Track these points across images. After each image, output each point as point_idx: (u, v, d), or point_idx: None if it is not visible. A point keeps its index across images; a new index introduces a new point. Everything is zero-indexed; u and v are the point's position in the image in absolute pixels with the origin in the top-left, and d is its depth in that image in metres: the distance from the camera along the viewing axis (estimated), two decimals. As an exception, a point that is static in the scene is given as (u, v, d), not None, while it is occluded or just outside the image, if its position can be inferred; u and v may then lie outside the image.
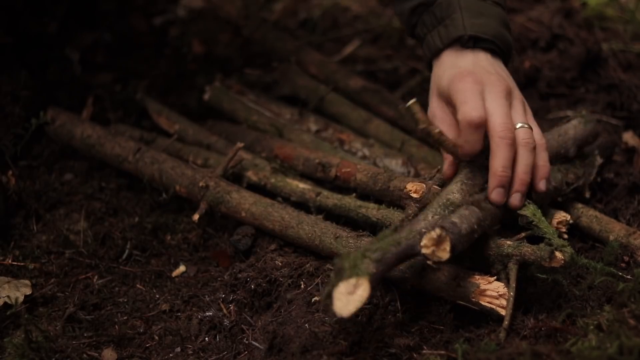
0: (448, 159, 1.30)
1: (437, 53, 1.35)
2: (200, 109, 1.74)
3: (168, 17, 2.10)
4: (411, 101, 1.20)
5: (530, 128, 1.26)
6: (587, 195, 1.42)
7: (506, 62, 1.37)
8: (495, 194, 1.23)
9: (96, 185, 1.59)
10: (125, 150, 1.53)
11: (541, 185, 1.26)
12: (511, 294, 1.15)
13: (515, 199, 1.24)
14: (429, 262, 1.11)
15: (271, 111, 1.66)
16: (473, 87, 1.25)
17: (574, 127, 1.41)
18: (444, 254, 1.11)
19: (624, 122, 1.65)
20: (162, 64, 1.92)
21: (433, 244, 1.11)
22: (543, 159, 1.27)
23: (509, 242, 1.19)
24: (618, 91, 1.69)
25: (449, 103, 1.29)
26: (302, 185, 1.43)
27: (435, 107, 1.34)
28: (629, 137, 1.60)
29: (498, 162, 1.22)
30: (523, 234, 1.24)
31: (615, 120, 1.65)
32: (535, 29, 1.91)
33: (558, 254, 1.15)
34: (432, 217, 1.19)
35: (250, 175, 1.48)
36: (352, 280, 1.05)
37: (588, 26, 1.89)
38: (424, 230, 1.14)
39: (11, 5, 1.79)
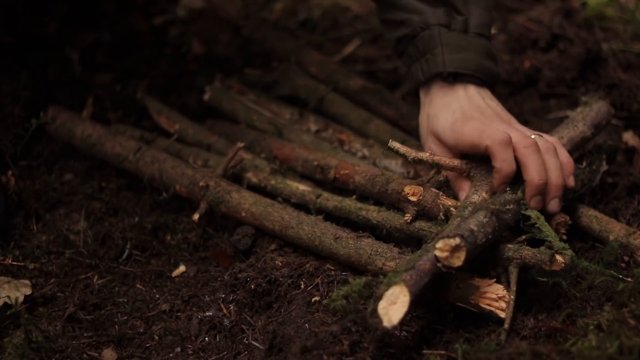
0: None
1: (419, 85, 1.39)
2: (200, 109, 1.74)
3: (168, 17, 2.10)
4: (389, 143, 1.25)
5: (540, 136, 1.30)
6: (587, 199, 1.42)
7: (493, 90, 1.39)
8: (535, 202, 1.25)
9: (96, 185, 1.59)
10: (125, 150, 1.54)
11: (570, 182, 1.29)
12: (512, 297, 1.15)
13: (554, 205, 1.27)
14: (439, 264, 1.11)
15: (271, 111, 1.66)
16: (479, 123, 1.28)
17: (579, 112, 1.42)
18: (457, 261, 1.11)
19: (624, 122, 1.65)
20: (162, 64, 1.92)
21: (449, 250, 1.11)
22: (565, 156, 1.29)
23: (509, 245, 1.19)
24: (618, 91, 1.69)
25: (449, 146, 1.32)
26: (302, 187, 1.43)
27: (433, 145, 1.36)
28: (629, 137, 1.60)
29: (532, 171, 1.24)
30: (524, 237, 1.24)
31: (615, 120, 1.65)
32: (535, 29, 1.91)
33: (559, 257, 1.15)
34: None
35: (250, 176, 1.48)
36: (390, 292, 1.06)
37: (588, 26, 1.89)
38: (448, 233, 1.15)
39: (11, 5, 1.79)
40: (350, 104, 1.64)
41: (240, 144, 1.46)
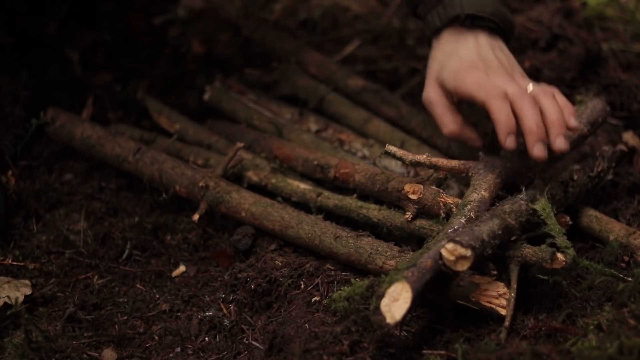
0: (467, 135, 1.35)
1: (436, 32, 1.39)
2: (200, 109, 1.74)
3: (168, 17, 2.10)
4: (386, 147, 1.26)
5: (538, 84, 1.31)
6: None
7: (507, 40, 1.39)
8: (538, 150, 1.24)
9: (96, 185, 1.59)
10: (125, 151, 1.54)
11: (573, 122, 1.28)
12: (512, 295, 1.15)
13: (560, 143, 1.25)
14: (442, 265, 1.11)
15: (271, 111, 1.66)
16: (481, 74, 1.30)
17: (576, 110, 1.41)
18: (460, 267, 1.11)
19: (624, 122, 1.65)
20: (162, 64, 1.92)
21: (457, 256, 1.11)
22: (563, 100, 1.30)
23: (509, 243, 1.19)
24: (618, 91, 1.69)
25: (451, 93, 1.34)
26: (302, 185, 1.43)
27: (433, 93, 1.37)
28: (629, 137, 1.60)
29: (529, 120, 1.24)
30: (524, 235, 1.24)
31: (615, 120, 1.65)
32: (535, 29, 1.91)
33: (559, 256, 1.15)
34: (455, 220, 1.19)
35: (251, 175, 1.48)
36: (392, 289, 1.07)
37: (588, 26, 1.89)
38: (449, 230, 1.16)
39: (11, 5, 1.79)
40: (350, 104, 1.64)
41: (240, 144, 1.46)
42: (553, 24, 1.90)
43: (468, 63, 1.32)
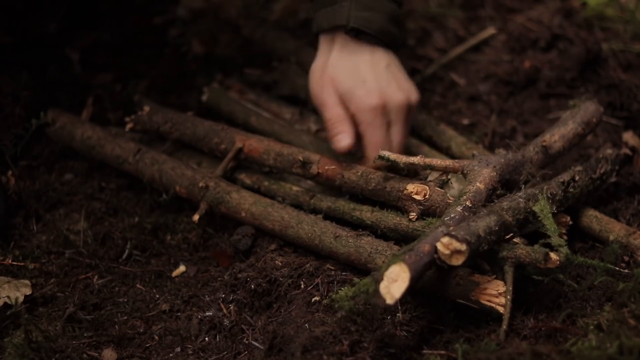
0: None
1: (321, 31, 1.43)
2: (200, 109, 1.74)
3: (168, 17, 2.10)
4: (380, 152, 1.29)
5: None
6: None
7: (397, 49, 1.45)
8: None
9: (96, 185, 1.59)
10: (125, 152, 1.54)
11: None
12: (508, 297, 1.15)
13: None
14: (437, 259, 1.12)
15: (271, 111, 1.66)
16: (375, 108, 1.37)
17: (568, 113, 1.43)
18: (455, 262, 1.12)
19: (624, 122, 1.65)
20: (162, 64, 1.92)
21: (452, 250, 1.11)
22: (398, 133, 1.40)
23: (504, 244, 1.19)
24: (618, 91, 1.69)
25: (341, 99, 1.39)
26: (295, 188, 1.43)
27: (329, 99, 1.41)
28: (629, 137, 1.60)
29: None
30: (520, 232, 1.24)
31: (615, 120, 1.65)
32: (535, 29, 1.91)
33: (553, 255, 1.15)
34: (452, 210, 1.20)
35: (244, 178, 1.48)
36: (390, 271, 1.07)
37: (588, 26, 1.89)
38: (446, 218, 1.16)
39: (11, 5, 1.79)
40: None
41: (239, 144, 1.46)
42: (553, 24, 1.90)
43: (367, 84, 1.37)
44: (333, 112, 1.39)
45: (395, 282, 1.07)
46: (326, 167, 1.38)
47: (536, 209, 1.23)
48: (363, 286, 1.12)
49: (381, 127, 1.38)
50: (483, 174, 1.27)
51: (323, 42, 1.43)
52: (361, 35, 1.39)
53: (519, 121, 1.69)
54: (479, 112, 1.73)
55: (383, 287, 1.07)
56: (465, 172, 1.30)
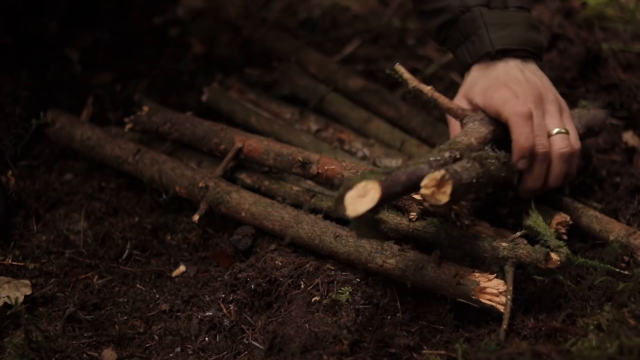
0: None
1: (467, 67, 1.39)
2: (200, 109, 1.74)
3: (168, 17, 2.10)
4: (395, 65, 1.26)
5: (567, 132, 1.29)
6: (567, 191, 1.42)
7: (539, 60, 1.39)
8: (522, 164, 1.27)
9: (96, 185, 1.59)
10: (125, 152, 1.53)
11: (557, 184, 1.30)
12: (508, 297, 1.15)
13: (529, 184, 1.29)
14: (426, 204, 1.11)
15: (271, 111, 1.66)
16: (509, 92, 1.29)
17: (577, 112, 1.43)
18: (444, 197, 1.10)
19: (624, 122, 1.65)
20: (162, 64, 1.92)
21: (434, 185, 1.10)
22: (573, 166, 1.31)
23: (504, 244, 1.19)
24: (618, 91, 1.69)
25: (479, 110, 1.33)
26: (295, 187, 1.43)
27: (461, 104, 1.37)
28: (629, 137, 1.60)
29: (534, 174, 1.28)
30: (518, 233, 1.25)
31: (615, 120, 1.65)
32: (535, 29, 1.90)
33: (554, 256, 1.15)
34: (439, 153, 1.19)
35: (244, 178, 1.48)
36: (362, 184, 1.06)
37: (588, 26, 1.89)
38: (431, 158, 1.15)
39: (11, 5, 1.79)
40: (350, 104, 1.64)
41: (239, 144, 1.46)
42: (553, 24, 1.89)
43: (497, 81, 1.32)
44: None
45: (363, 198, 1.05)
46: (326, 167, 1.38)
47: (529, 222, 1.25)
48: (340, 188, 1.08)
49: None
50: (480, 132, 1.28)
51: (466, 76, 1.40)
52: (507, 53, 1.35)
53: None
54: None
55: (349, 196, 1.05)
56: (465, 121, 1.30)
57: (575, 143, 1.30)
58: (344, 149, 1.55)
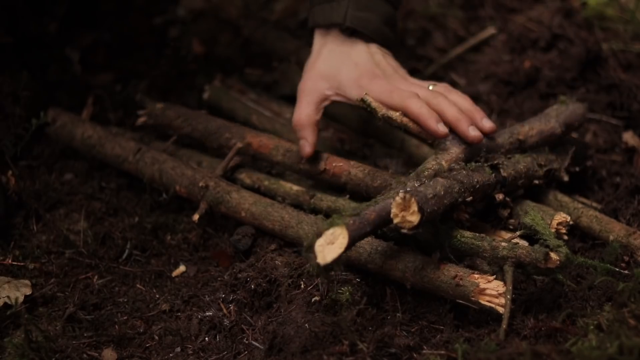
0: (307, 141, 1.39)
1: (316, 26, 1.43)
2: (200, 109, 1.74)
3: (168, 17, 2.10)
4: (363, 95, 1.31)
5: (435, 84, 1.40)
6: (566, 178, 1.42)
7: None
8: (473, 131, 1.32)
9: (96, 185, 1.59)
10: (125, 151, 1.54)
11: (488, 124, 1.34)
12: (508, 297, 1.15)
13: (474, 131, 1.32)
14: (403, 230, 1.13)
15: (272, 110, 1.66)
16: (384, 82, 1.36)
17: (555, 109, 1.44)
18: (414, 217, 1.12)
19: (624, 122, 1.65)
20: (162, 64, 1.92)
21: (401, 210, 1.12)
22: (460, 97, 1.37)
23: (503, 244, 1.19)
24: (618, 91, 1.69)
25: (348, 98, 1.39)
26: (295, 187, 1.43)
27: (327, 91, 1.41)
28: (629, 137, 1.60)
29: (452, 111, 1.32)
30: (518, 233, 1.25)
31: (615, 120, 1.65)
32: (535, 29, 1.91)
33: (553, 255, 1.15)
34: (408, 182, 1.22)
35: (244, 177, 1.48)
36: (330, 231, 1.08)
37: (588, 26, 1.89)
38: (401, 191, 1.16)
39: (11, 5, 1.79)
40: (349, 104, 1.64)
41: (239, 144, 1.46)
42: (553, 24, 1.90)
43: (366, 71, 1.37)
44: (299, 112, 1.40)
45: (331, 245, 1.08)
46: (334, 164, 1.38)
47: (527, 220, 1.25)
48: (309, 236, 1.11)
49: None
50: (451, 153, 1.29)
51: (317, 37, 1.45)
52: (356, 34, 1.40)
53: (519, 121, 1.68)
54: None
55: (319, 244, 1.07)
56: (436, 143, 1.32)
57: (445, 86, 1.40)
58: (345, 149, 1.55)
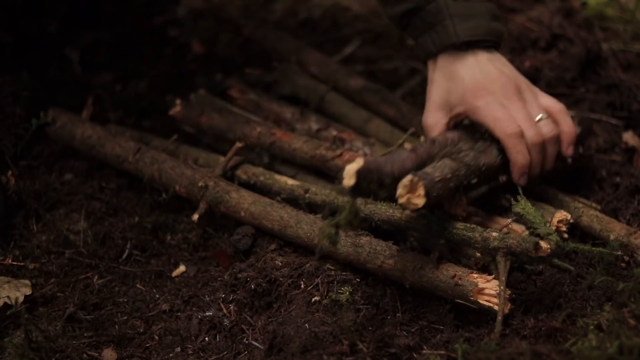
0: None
1: (430, 56, 1.39)
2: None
3: (168, 17, 2.10)
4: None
5: (548, 117, 1.35)
6: (569, 161, 1.43)
7: (499, 47, 1.41)
8: (523, 180, 1.33)
9: (96, 185, 1.59)
10: (125, 151, 1.54)
11: (570, 151, 1.36)
12: (502, 287, 1.15)
13: (570, 151, 1.36)
14: (407, 211, 1.16)
15: (272, 111, 1.66)
16: (492, 101, 1.32)
17: None
18: (420, 200, 1.14)
19: (624, 122, 1.65)
20: (162, 64, 1.92)
21: (408, 192, 1.14)
22: (567, 125, 1.35)
23: (494, 234, 1.19)
24: (618, 91, 1.69)
25: (460, 116, 1.37)
26: (291, 182, 1.43)
27: (432, 120, 1.39)
28: (629, 137, 1.60)
29: (533, 166, 1.33)
30: (509, 221, 1.26)
31: (615, 120, 1.65)
32: (535, 29, 1.91)
33: (543, 244, 1.15)
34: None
35: (240, 173, 1.48)
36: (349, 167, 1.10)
37: (588, 26, 1.89)
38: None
39: (12, 5, 1.79)
40: (350, 104, 1.64)
41: (239, 144, 1.46)
42: (553, 24, 1.89)
43: (473, 83, 1.34)
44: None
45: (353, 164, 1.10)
46: (351, 153, 1.42)
47: (517, 209, 1.25)
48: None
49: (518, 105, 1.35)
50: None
51: (430, 66, 1.40)
52: (473, 44, 1.36)
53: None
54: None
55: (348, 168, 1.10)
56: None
57: (557, 104, 1.36)
58: (345, 147, 1.55)
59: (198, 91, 1.71)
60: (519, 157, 1.30)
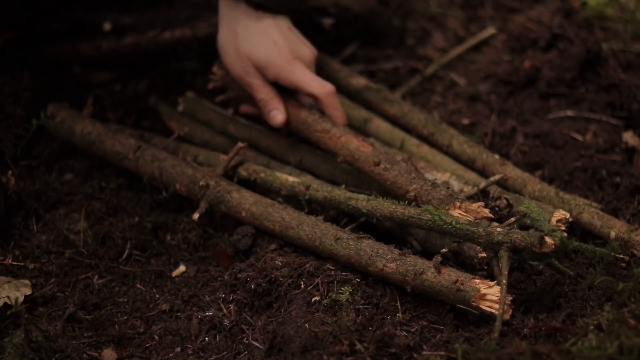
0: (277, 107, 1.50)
1: None
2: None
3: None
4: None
5: None
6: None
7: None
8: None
9: (96, 185, 1.59)
10: (125, 148, 1.53)
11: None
12: (504, 281, 1.14)
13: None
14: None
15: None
16: (302, 67, 1.47)
17: None
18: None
19: (624, 122, 1.65)
20: (162, 63, 1.91)
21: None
22: None
23: (498, 229, 1.18)
24: (618, 91, 1.69)
25: (266, 73, 1.46)
26: (291, 179, 1.43)
27: (246, 69, 1.48)
28: (629, 137, 1.60)
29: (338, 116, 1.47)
30: (513, 219, 1.25)
31: (615, 120, 1.65)
32: (535, 29, 1.91)
33: (548, 239, 1.15)
34: None
35: (240, 171, 1.48)
36: None
37: (588, 26, 1.89)
38: None
39: (12, 5, 1.79)
40: (350, 104, 1.64)
41: (241, 144, 1.46)
42: (553, 24, 1.90)
43: (281, 48, 1.45)
44: (262, 92, 1.47)
45: None
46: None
47: (522, 208, 1.25)
48: None
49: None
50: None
51: (224, 8, 1.47)
52: (262, 7, 1.44)
53: (519, 121, 1.69)
54: (479, 112, 1.73)
55: None
56: None
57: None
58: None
59: (186, 94, 1.71)
60: (336, 112, 1.47)
